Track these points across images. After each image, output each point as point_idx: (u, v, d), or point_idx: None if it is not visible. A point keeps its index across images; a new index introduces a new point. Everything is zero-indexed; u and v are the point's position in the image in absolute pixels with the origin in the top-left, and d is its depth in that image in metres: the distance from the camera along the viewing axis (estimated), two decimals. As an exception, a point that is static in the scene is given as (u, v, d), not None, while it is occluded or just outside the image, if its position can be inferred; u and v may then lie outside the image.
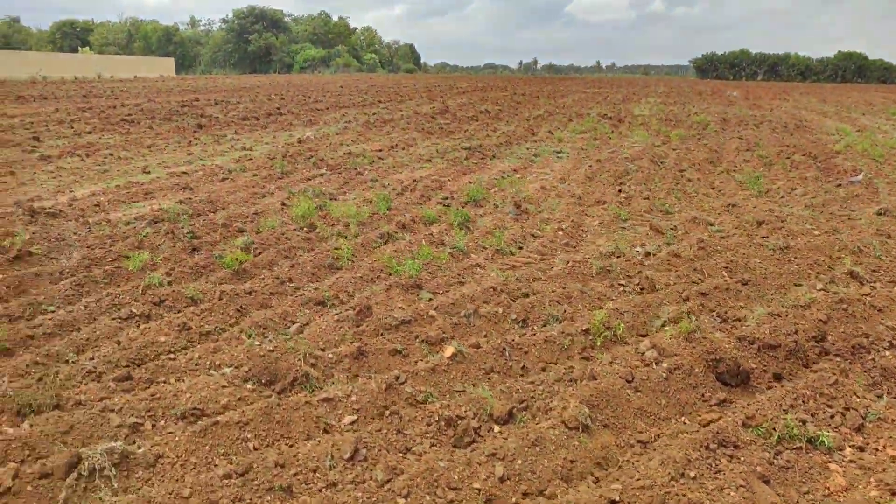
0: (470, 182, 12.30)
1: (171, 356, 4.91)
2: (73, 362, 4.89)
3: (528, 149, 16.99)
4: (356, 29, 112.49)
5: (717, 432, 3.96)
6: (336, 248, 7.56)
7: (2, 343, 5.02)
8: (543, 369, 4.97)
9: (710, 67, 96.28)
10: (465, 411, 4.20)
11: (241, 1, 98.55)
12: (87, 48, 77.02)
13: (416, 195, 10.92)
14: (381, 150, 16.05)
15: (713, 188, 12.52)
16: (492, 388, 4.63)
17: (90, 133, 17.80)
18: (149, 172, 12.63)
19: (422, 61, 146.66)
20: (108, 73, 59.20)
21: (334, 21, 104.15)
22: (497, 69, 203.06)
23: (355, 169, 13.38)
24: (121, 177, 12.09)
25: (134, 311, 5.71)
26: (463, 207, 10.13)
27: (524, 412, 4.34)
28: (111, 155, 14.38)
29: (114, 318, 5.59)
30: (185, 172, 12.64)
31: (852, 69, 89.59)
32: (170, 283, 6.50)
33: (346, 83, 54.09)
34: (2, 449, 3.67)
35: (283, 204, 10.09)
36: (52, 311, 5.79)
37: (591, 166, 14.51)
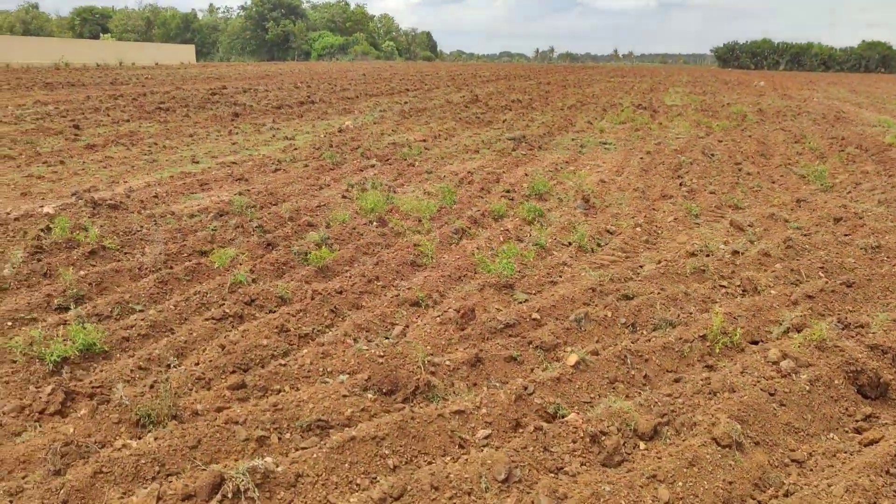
0: (525, 174, 12.01)
1: (282, 363, 4.66)
2: (176, 367, 4.66)
3: (572, 140, 16.66)
4: (374, 16, 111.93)
5: (894, 455, 3.67)
6: (416, 245, 7.29)
7: (100, 345, 4.80)
8: (677, 380, 4.70)
9: (731, 56, 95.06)
10: (608, 426, 3.94)
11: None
12: (108, 35, 76.91)
13: (476, 188, 10.65)
14: (424, 140, 15.77)
15: (773, 182, 12.16)
16: (621, 398, 4.37)
17: (128, 121, 17.60)
18: (198, 162, 12.41)
19: (438, 49, 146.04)
20: (129, 59, 59.00)
21: (352, 8, 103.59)
22: (513, 57, 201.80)
23: (405, 160, 13.11)
24: (171, 167, 11.87)
25: (226, 311, 5.48)
26: (527, 201, 9.85)
27: (666, 426, 4.07)
28: (155, 144, 14.17)
29: (207, 319, 5.36)
30: (234, 163, 12.42)
31: (876, 59, 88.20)
32: (254, 281, 6.27)
33: (367, 71, 53.69)
34: (132, 464, 3.45)
35: (344, 196, 9.85)
36: (141, 311, 5.57)
37: (642, 158, 14.19)
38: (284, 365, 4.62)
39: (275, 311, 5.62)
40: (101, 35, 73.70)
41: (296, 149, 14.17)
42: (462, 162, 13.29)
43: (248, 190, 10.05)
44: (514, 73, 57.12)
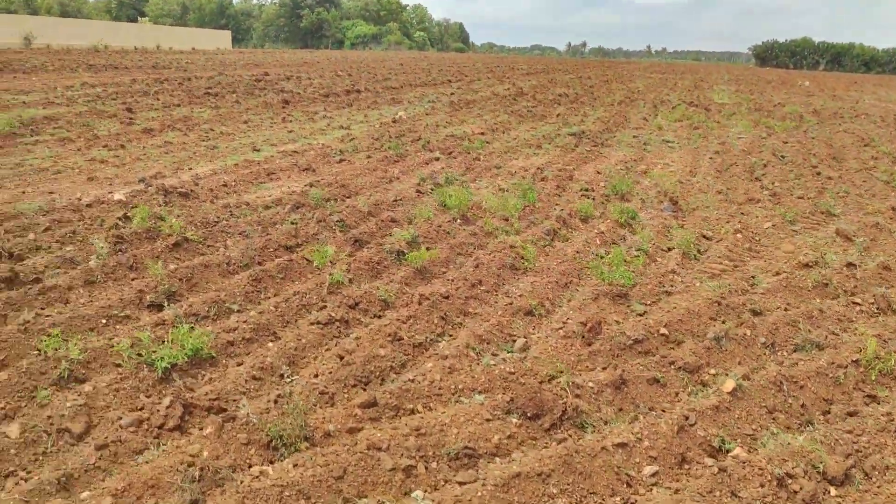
0: (598, 172, 11.54)
1: (409, 378, 4.26)
2: (292, 378, 4.28)
3: (633, 137, 16.10)
4: (407, 6, 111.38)
5: None
6: (512, 247, 6.86)
7: (207, 350, 4.42)
8: (852, 414, 4.23)
9: (769, 55, 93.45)
10: (793, 468, 3.49)
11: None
12: (146, 18, 77.10)
13: (551, 185, 10.19)
14: (483, 134, 15.30)
15: (858, 187, 11.58)
16: (783, 430, 3.92)
17: (179, 106, 17.31)
18: (259, 150, 12.05)
19: (470, 41, 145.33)
20: (166, 44, 59.05)
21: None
22: (544, 51, 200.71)
23: (468, 153, 12.66)
24: (233, 154, 11.52)
25: (332, 314, 5.09)
26: (609, 201, 9.40)
27: (853, 468, 3.61)
28: (211, 130, 13.85)
29: (312, 323, 4.97)
30: (295, 151, 12.05)
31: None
32: (351, 281, 5.87)
33: (404, 61, 53.25)
34: (276, 496, 3.06)
35: (419, 191, 9.43)
36: (239, 311, 5.20)
37: (711, 159, 13.63)
38: (413, 381, 4.20)
39: (381, 317, 5.23)
40: (140, 19, 73.87)
41: (353, 138, 13.78)
42: (527, 157, 12.82)
43: (318, 181, 9.66)
44: (552, 66, 56.35)
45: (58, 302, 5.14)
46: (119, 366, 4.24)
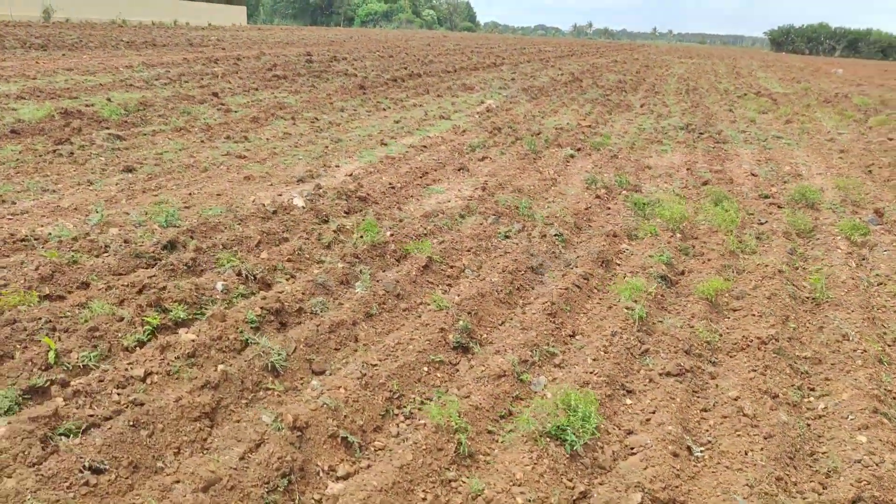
0: (752, 174, 10.85)
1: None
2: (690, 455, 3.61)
3: (741, 132, 15.32)
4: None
5: None
6: (780, 272, 6.18)
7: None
8: None
9: (785, 40, 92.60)
10: None
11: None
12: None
13: (722, 189, 9.48)
14: (589, 126, 14.57)
15: None
16: None
17: (257, 90, 16.50)
18: (386, 144, 11.31)
19: (476, 20, 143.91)
20: (182, 19, 57.81)
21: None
22: (548, 31, 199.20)
23: (598, 149, 11.95)
24: (365, 150, 10.78)
25: (681, 364, 4.41)
26: (799, 208, 8.74)
27: None
28: (316, 119, 13.08)
29: (663, 374, 4.30)
30: (424, 146, 11.34)
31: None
32: (646, 316, 5.18)
33: (428, 41, 52.28)
34: None
35: (597, 196, 8.72)
36: (561, 354, 4.51)
37: (840, 157, 12.93)
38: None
39: (738, 372, 4.55)
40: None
41: (464, 131, 13.04)
42: (659, 155, 12.12)
43: (484, 183, 8.92)
44: (577, 49, 55.35)
45: (353, 343, 4.45)
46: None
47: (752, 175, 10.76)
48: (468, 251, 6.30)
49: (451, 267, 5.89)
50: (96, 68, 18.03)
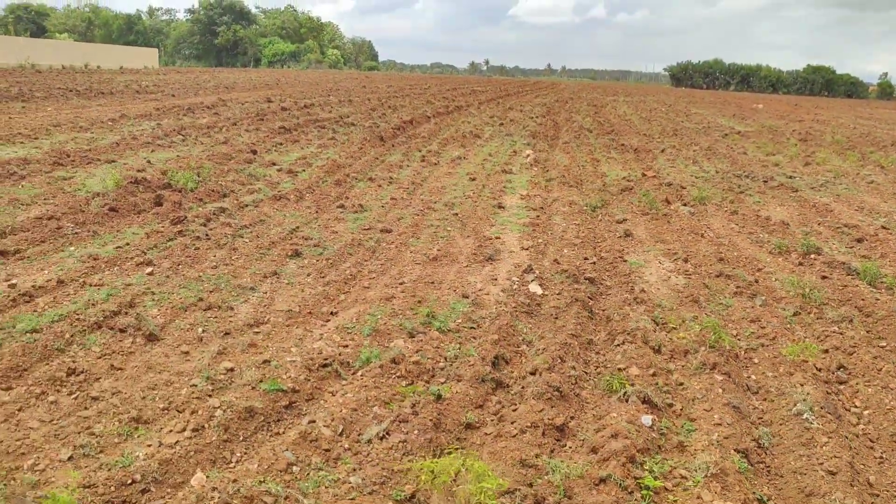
0: (883, 227, 10.57)
1: None
2: None
3: (789, 176, 15.23)
4: (327, 23, 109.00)
5: None
6: None
7: None
8: None
9: (684, 76, 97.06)
10: None
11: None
12: (65, 35, 71.44)
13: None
14: (655, 176, 14.12)
15: None
16: None
17: (282, 144, 15.28)
18: (503, 207, 10.46)
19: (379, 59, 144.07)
20: (94, 62, 54.80)
21: (300, 15, 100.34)
22: (444, 69, 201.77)
23: (704, 203, 11.46)
24: (494, 216, 9.88)
25: None
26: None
27: None
28: (392, 180, 12.11)
29: None
30: (540, 207, 10.54)
31: (820, 82, 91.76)
32: None
33: (357, 81, 51.47)
34: None
35: (792, 262, 8.16)
36: None
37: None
38: None
39: None
40: (58, 35, 68.29)
41: (548, 187, 12.33)
42: (762, 207, 11.69)
43: (686, 257, 8.14)
44: (513, 88, 55.83)
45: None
46: None
47: (884, 228, 10.48)
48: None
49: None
50: (81, 122, 16.34)
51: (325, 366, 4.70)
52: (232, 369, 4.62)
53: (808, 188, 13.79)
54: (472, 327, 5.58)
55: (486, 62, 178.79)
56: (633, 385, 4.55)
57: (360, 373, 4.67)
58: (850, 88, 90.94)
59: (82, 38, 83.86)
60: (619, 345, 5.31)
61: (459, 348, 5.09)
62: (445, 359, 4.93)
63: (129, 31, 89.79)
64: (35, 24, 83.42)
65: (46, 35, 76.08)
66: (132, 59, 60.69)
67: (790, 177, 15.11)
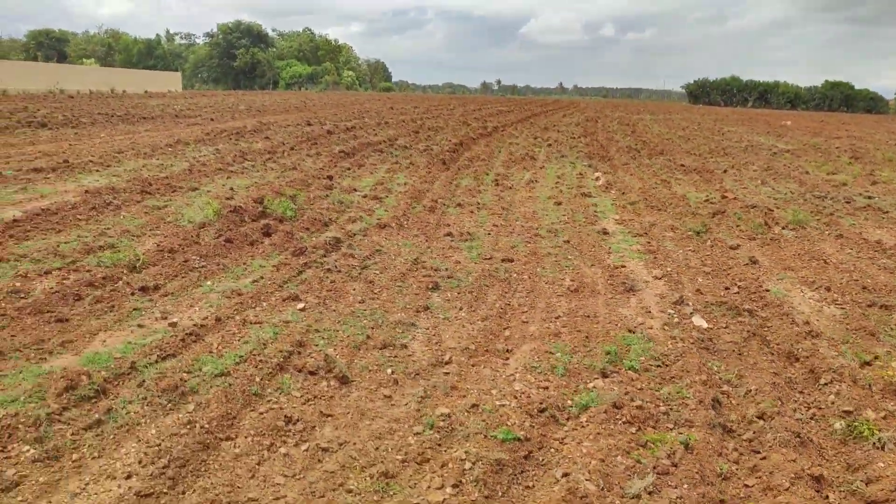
0: None
1: None
2: None
3: (867, 196, 14.94)
4: (344, 45, 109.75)
5: None
6: None
7: None
8: None
9: (701, 93, 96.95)
10: None
11: (220, 15, 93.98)
12: (93, 60, 72.08)
13: None
14: (736, 199, 13.86)
15: None
16: None
17: (349, 168, 15.14)
18: (607, 233, 10.23)
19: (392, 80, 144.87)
20: (119, 87, 55.25)
21: (321, 37, 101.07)
22: (456, 89, 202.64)
23: (804, 227, 11.17)
24: (600, 242, 9.66)
25: None
26: None
27: None
28: (480, 206, 11.90)
29: None
30: (644, 233, 10.28)
31: (839, 98, 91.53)
32: None
33: (382, 102, 51.60)
34: None
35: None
36: None
37: None
38: None
39: None
40: (85, 61, 68.94)
41: (634, 208, 12.10)
42: (869, 231, 11.42)
43: (842, 289, 7.86)
44: (530, 108, 55.82)
45: None
46: None
47: None
48: None
49: None
50: (142, 149, 16.26)
51: (542, 411, 4.47)
52: (449, 415, 4.40)
53: (894, 209, 13.50)
54: (659, 365, 5.34)
55: (498, 82, 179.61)
56: (881, 431, 4.29)
57: (583, 419, 4.43)
58: (869, 104, 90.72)
59: (102, 63, 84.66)
60: (826, 384, 5.05)
61: (670, 390, 4.84)
62: (662, 401, 4.69)
63: (149, 55, 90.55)
64: (56, 50, 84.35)
65: (69, 60, 76.82)
66: (156, 83, 61.12)
67: (869, 197, 14.82)
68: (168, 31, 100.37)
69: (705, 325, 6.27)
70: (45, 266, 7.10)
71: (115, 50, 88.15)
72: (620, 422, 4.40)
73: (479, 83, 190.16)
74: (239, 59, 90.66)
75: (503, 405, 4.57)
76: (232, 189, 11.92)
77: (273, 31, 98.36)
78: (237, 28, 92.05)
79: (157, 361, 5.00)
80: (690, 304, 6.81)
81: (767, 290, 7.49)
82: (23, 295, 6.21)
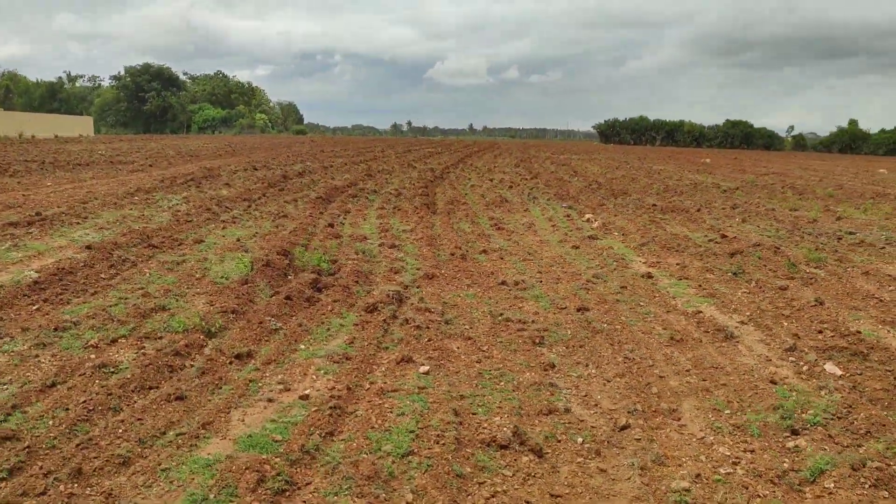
0: None
1: None
2: None
3: (849, 233, 15.45)
4: (257, 88, 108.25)
5: None
6: None
7: None
8: None
9: (612, 132, 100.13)
10: None
11: (122, 59, 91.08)
12: (-2, 104, 68.28)
13: None
14: (736, 238, 14.06)
15: None
16: None
17: (341, 214, 14.61)
18: (651, 276, 10.10)
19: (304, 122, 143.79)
20: (28, 131, 52.42)
21: (234, 80, 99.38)
22: (366, 130, 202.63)
23: (820, 266, 11.36)
24: (659, 292, 9.51)
25: None
26: None
27: None
28: (507, 253, 11.60)
29: None
30: (686, 277, 10.21)
31: (739, 136, 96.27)
32: None
33: (302, 145, 50.84)
34: None
35: None
36: None
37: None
38: None
39: None
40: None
41: (649, 249, 12.08)
42: (840, 264, 11.71)
43: (877, 317, 7.94)
44: (457, 149, 56.06)
45: None
46: None
47: None
48: None
49: None
50: (107, 198, 15.29)
51: (780, 477, 4.16)
52: (688, 490, 4.02)
53: (884, 244, 13.88)
54: (838, 418, 5.12)
55: (409, 123, 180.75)
56: None
57: (826, 484, 4.13)
58: (767, 141, 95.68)
59: (4, 107, 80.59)
60: None
61: (880, 447, 4.61)
62: (889, 459, 4.45)
63: (52, 98, 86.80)
64: (-51, 93, 79.82)
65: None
66: (66, 128, 58.42)
67: (850, 233, 15.25)
68: (69, 74, 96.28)
69: (839, 372, 6.11)
70: (109, 334, 6.36)
71: (14, 93, 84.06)
72: (866, 486, 4.13)
73: (390, 125, 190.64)
74: (149, 103, 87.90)
75: (730, 473, 4.24)
76: (239, 240, 11.24)
77: (184, 74, 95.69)
78: (146, 70, 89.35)
79: (324, 441, 4.43)
80: (806, 350, 6.66)
81: (859, 332, 7.43)
82: (113, 370, 5.49)
